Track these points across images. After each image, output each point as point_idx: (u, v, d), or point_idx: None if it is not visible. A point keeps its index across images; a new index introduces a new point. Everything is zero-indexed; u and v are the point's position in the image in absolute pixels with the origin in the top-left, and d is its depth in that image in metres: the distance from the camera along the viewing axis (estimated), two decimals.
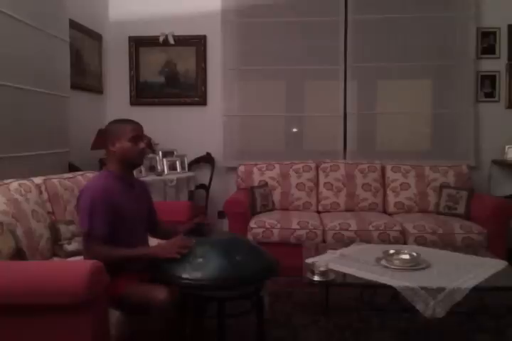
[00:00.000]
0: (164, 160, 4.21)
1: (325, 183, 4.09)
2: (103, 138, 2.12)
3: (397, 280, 2.20)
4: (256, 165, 4.19)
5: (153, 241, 2.57)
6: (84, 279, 1.61)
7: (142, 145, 2.06)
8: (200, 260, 1.88)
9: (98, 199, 1.92)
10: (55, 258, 2.46)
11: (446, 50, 4.38)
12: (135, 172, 3.69)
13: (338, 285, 2.42)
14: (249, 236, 3.51)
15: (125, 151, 2.02)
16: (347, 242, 3.24)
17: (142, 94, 4.66)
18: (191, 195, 4.26)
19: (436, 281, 2.20)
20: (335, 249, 2.73)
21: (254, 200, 3.85)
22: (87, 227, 1.91)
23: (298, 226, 3.53)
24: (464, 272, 2.31)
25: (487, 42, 4.35)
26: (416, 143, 4.59)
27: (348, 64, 4.41)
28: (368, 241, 3.31)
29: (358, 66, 4.42)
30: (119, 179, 2.05)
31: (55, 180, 2.72)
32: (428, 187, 3.98)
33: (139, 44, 4.62)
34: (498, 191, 4.25)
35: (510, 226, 3.54)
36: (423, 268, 2.36)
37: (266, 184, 4.07)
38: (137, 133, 2.05)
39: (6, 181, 2.36)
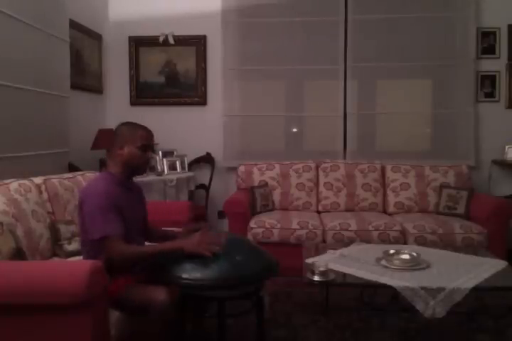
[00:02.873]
0: (164, 160, 4.21)
1: (325, 183, 4.09)
2: (111, 138, 2.08)
3: (397, 280, 2.19)
4: (256, 165, 4.19)
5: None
6: (84, 279, 1.61)
7: (149, 154, 2.05)
8: (200, 260, 1.88)
9: (105, 202, 1.89)
10: (55, 258, 2.46)
11: (446, 50, 4.39)
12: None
13: (338, 285, 2.41)
14: (249, 236, 3.51)
15: (132, 157, 2.01)
16: (347, 242, 3.24)
17: (142, 94, 4.66)
18: (191, 195, 4.27)
19: (436, 281, 2.19)
20: (335, 249, 2.72)
21: (254, 200, 3.85)
22: (103, 232, 1.86)
23: (298, 226, 3.53)
24: (464, 272, 2.31)
25: (487, 42, 4.35)
26: (416, 143, 4.59)
27: (348, 64, 4.42)
28: (368, 241, 3.31)
29: (357, 66, 4.42)
30: (118, 182, 2.03)
31: (55, 180, 2.72)
32: (428, 187, 3.98)
33: (139, 44, 4.62)
34: (498, 191, 4.26)
35: (510, 226, 3.54)
36: (423, 268, 2.35)
37: (266, 184, 4.07)
38: (148, 142, 2.04)
39: (6, 181, 2.36)
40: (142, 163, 2.05)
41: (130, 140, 2.00)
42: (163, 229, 2.34)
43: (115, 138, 2.05)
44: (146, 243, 2.20)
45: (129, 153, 2.00)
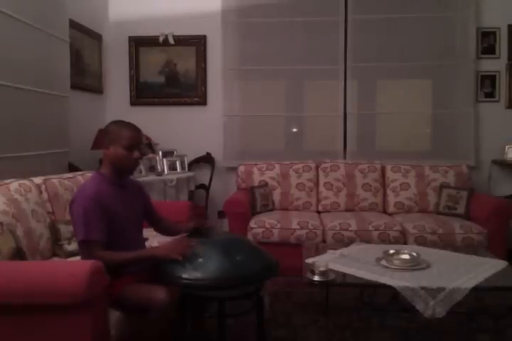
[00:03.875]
0: (164, 160, 4.21)
1: (325, 183, 4.09)
2: (102, 137, 2.10)
3: (397, 280, 2.19)
4: (256, 165, 4.19)
5: (153, 240, 2.58)
6: (84, 279, 1.61)
7: (136, 154, 2.00)
8: (200, 260, 1.88)
9: (91, 206, 1.89)
10: (55, 258, 2.46)
11: (446, 50, 4.39)
12: (134, 173, 3.72)
13: (338, 285, 2.41)
14: (249, 236, 3.51)
15: (118, 157, 1.99)
16: (347, 242, 3.24)
17: (142, 94, 4.66)
18: (191, 195, 4.26)
19: (436, 281, 2.19)
20: (335, 249, 2.72)
21: (254, 200, 3.85)
22: (83, 235, 1.88)
23: (298, 226, 3.53)
24: (464, 272, 2.31)
25: (487, 42, 4.35)
26: (416, 143, 4.59)
27: (348, 64, 4.42)
28: (368, 241, 3.31)
29: (357, 66, 4.42)
30: (110, 182, 2.03)
31: (55, 180, 2.72)
32: (428, 187, 3.98)
33: (139, 44, 4.62)
34: (498, 191, 4.26)
35: (510, 226, 3.54)
36: (423, 268, 2.35)
37: (266, 184, 4.07)
38: (134, 141, 2.00)
39: (6, 181, 2.36)
40: (129, 163, 2.02)
41: (116, 139, 1.98)
42: (176, 224, 2.36)
43: (104, 138, 2.05)
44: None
45: (115, 153, 1.99)
